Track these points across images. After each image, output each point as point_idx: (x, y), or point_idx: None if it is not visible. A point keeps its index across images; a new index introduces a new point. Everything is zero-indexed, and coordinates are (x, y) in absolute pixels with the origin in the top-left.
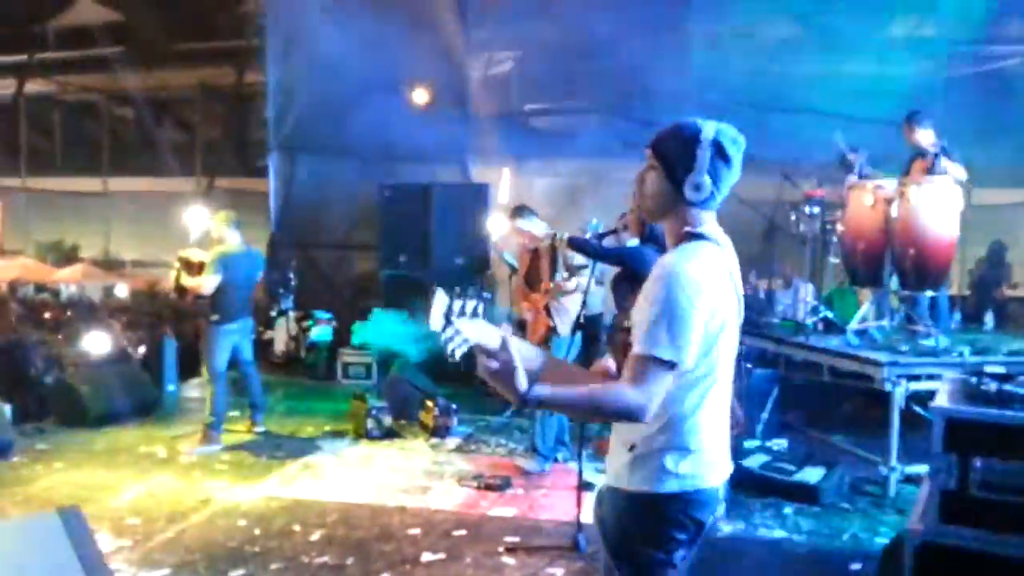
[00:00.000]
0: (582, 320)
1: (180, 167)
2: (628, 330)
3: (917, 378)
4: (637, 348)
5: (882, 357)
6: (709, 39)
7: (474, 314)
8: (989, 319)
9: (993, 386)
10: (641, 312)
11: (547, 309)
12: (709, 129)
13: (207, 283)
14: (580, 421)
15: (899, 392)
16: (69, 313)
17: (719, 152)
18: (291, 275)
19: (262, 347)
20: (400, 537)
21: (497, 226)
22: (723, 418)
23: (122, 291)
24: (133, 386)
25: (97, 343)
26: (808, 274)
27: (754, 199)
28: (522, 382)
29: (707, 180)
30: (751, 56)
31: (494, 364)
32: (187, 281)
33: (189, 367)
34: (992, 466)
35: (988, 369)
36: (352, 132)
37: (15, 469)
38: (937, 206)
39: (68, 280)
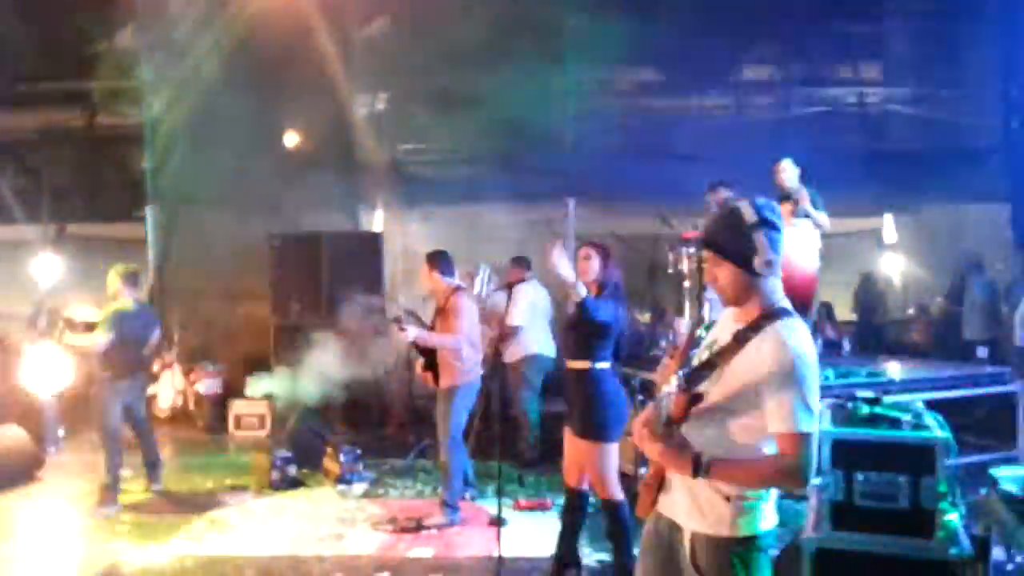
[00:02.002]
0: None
1: (25, 214)
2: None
3: None
4: (787, 427)
5: None
6: (580, 87)
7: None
8: (846, 344)
9: (866, 409)
10: (764, 386)
11: (430, 365)
12: (748, 209)
13: (98, 341)
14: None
15: None
16: None
17: (767, 223)
18: (174, 326)
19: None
20: None
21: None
22: None
23: None
24: (13, 448)
25: None
26: (687, 309)
27: (634, 238)
28: (694, 452)
29: (772, 253)
30: (620, 101)
31: (662, 440)
32: (74, 341)
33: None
34: (869, 478)
35: (859, 394)
36: (233, 180)
37: None
38: (800, 246)
39: None
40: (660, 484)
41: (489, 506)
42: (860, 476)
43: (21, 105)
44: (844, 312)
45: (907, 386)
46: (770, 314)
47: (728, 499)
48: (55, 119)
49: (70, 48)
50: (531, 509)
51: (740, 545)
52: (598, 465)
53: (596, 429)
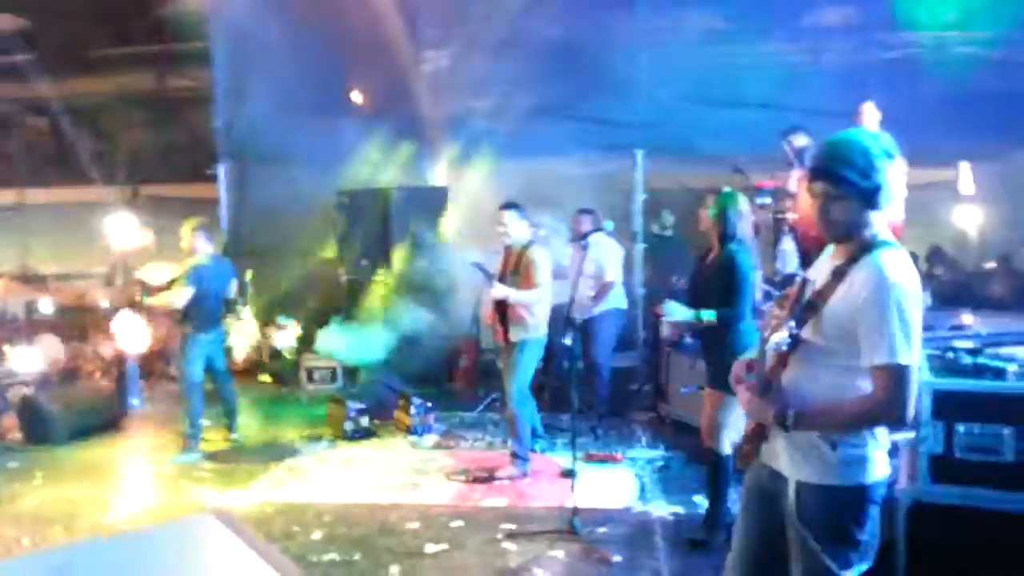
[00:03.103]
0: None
1: (102, 176)
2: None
3: None
4: (881, 359)
5: None
6: (652, 35)
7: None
8: (927, 297)
9: (968, 359)
10: (860, 318)
11: (501, 318)
12: (866, 137)
13: (179, 297)
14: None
15: None
16: None
17: (886, 157)
18: (247, 282)
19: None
20: (400, 531)
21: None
22: None
23: (46, 306)
24: (99, 400)
25: (34, 359)
26: (759, 261)
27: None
28: (782, 400)
29: (892, 188)
30: (692, 50)
31: (750, 385)
32: (155, 300)
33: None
34: (972, 431)
35: (957, 344)
36: (300, 138)
37: None
38: None
39: None
40: (761, 433)
41: (559, 458)
42: (961, 428)
43: (94, 70)
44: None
45: (996, 339)
46: (868, 246)
47: (834, 446)
48: (127, 83)
49: (139, 12)
50: (602, 461)
51: (851, 495)
52: (716, 414)
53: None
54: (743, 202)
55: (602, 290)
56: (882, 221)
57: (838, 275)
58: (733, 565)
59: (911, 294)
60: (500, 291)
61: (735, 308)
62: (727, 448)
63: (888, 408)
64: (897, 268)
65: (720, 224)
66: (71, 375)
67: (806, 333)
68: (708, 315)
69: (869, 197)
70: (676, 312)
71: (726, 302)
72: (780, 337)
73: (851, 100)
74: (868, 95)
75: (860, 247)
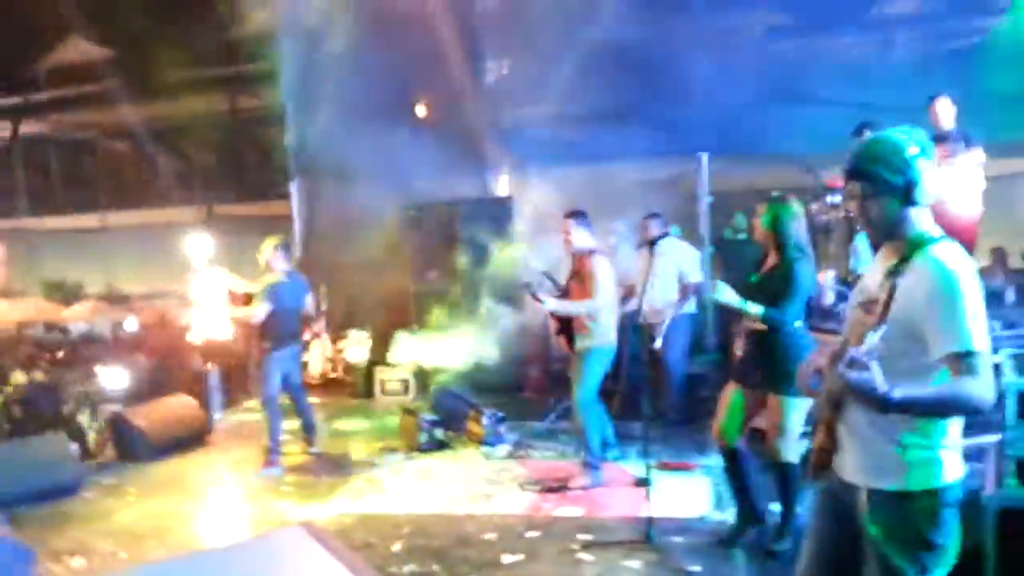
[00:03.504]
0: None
1: (179, 197)
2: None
3: None
4: (953, 346)
5: None
6: (712, 35)
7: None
8: (1010, 294)
9: None
10: (922, 315)
11: (564, 327)
12: (903, 137)
13: (257, 313)
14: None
15: None
16: (81, 350)
17: (925, 154)
18: (321, 298)
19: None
20: (477, 542)
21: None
22: None
23: (132, 325)
24: (184, 416)
25: (122, 377)
26: (832, 261)
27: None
28: (884, 385)
29: (931, 185)
30: (754, 48)
31: (857, 370)
32: (235, 313)
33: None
34: None
35: None
36: (368, 153)
37: (88, 504)
38: (958, 187)
39: (77, 318)
40: (832, 444)
41: (632, 467)
42: None
43: (170, 95)
44: (1017, 259)
45: None
46: (919, 242)
47: (904, 450)
48: (201, 105)
49: (211, 35)
50: (675, 469)
51: (923, 499)
52: (778, 419)
53: (785, 381)
54: (796, 206)
55: (685, 292)
56: (926, 216)
57: (894, 274)
58: (804, 574)
59: (971, 282)
60: (549, 305)
61: (783, 312)
62: (792, 455)
63: (977, 390)
64: (952, 259)
65: (775, 232)
66: (157, 392)
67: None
68: (755, 309)
69: (905, 193)
70: (724, 294)
71: (776, 305)
72: (871, 342)
73: (923, 93)
74: (940, 87)
75: (909, 245)
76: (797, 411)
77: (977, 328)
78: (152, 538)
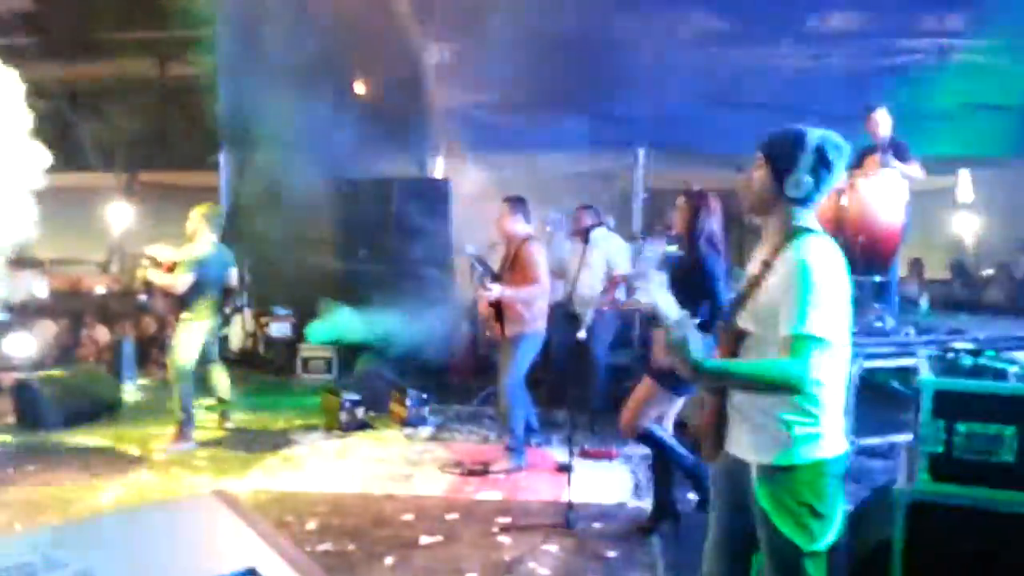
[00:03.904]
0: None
1: (100, 162)
2: (736, 330)
3: (869, 357)
4: (787, 329)
5: None
6: (656, 34)
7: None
8: (924, 302)
9: (969, 360)
10: (780, 301)
11: (497, 313)
12: (815, 135)
13: (179, 282)
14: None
15: (853, 370)
16: None
17: (821, 157)
18: (245, 271)
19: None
20: (395, 523)
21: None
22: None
23: (41, 290)
24: (94, 386)
25: (29, 343)
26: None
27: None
28: (697, 353)
29: (808, 180)
30: (696, 50)
31: (674, 335)
32: (157, 279)
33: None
34: (973, 431)
35: (957, 345)
36: (302, 127)
37: None
38: (885, 197)
39: None
40: (722, 423)
41: (554, 453)
42: (962, 428)
43: (95, 54)
44: (934, 271)
45: (994, 344)
46: (794, 235)
47: (787, 425)
48: (128, 68)
49: None
50: (597, 457)
51: (807, 471)
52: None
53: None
54: (713, 202)
55: (613, 283)
56: (807, 213)
57: (766, 266)
58: (709, 552)
59: (824, 274)
60: (495, 292)
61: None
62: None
63: (792, 373)
64: (814, 251)
65: (688, 227)
66: (65, 360)
67: (743, 323)
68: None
69: (781, 178)
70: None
71: (693, 303)
72: (684, 315)
73: (855, 104)
74: (872, 100)
75: (786, 237)
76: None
77: (817, 316)
78: (52, 509)
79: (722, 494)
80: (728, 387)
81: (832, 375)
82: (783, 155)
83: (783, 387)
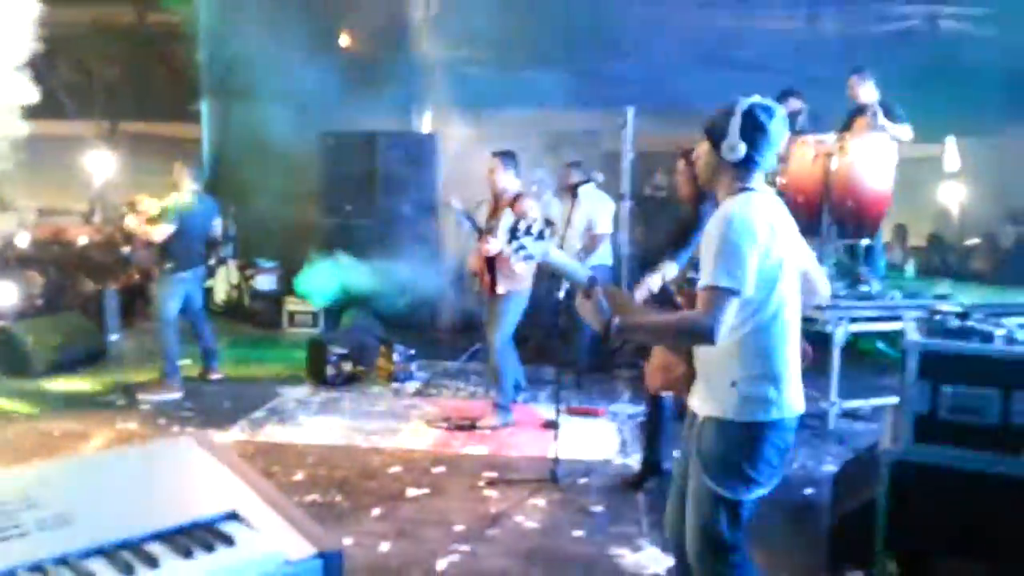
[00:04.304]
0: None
1: (78, 111)
2: (693, 282)
3: (854, 320)
4: (701, 282)
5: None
6: None
7: (540, 236)
8: (910, 267)
9: (955, 322)
10: (704, 255)
11: (489, 264)
12: (744, 102)
13: (159, 231)
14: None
15: (839, 333)
16: None
17: (750, 119)
18: (228, 223)
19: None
20: (381, 475)
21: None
22: (797, 352)
23: (23, 240)
24: (77, 335)
25: (11, 292)
26: None
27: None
28: (606, 311)
29: (740, 144)
30: (687, 10)
31: (588, 297)
32: (137, 228)
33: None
34: (958, 392)
35: (944, 308)
36: (285, 78)
37: None
38: (874, 160)
39: None
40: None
41: (542, 410)
42: (948, 389)
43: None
44: (915, 239)
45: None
46: (736, 191)
47: (734, 384)
48: (106, 15)
49: None
50: (583, 414)
51: (742, 430)
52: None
53: None
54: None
55: (592, 242)
56: (754, 178)
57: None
58: (670, 496)
59: (741, 226)
60: (495, 246)
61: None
62: None
63: (702, 326)
64: (735, 205)
65: (694, 184)
66: (49, 310)
67: (693, 275)
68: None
69: (716, 146)
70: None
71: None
72: (588, 274)
73: (845, 69)
74: (857, 65)
75: (726, 195)
76: None
77: (728, 268)
78: (35, 456)
79: (682, 443)
80: (646, 341)
81: (764, 333)
82: (717, 126)
83: (693, 338)
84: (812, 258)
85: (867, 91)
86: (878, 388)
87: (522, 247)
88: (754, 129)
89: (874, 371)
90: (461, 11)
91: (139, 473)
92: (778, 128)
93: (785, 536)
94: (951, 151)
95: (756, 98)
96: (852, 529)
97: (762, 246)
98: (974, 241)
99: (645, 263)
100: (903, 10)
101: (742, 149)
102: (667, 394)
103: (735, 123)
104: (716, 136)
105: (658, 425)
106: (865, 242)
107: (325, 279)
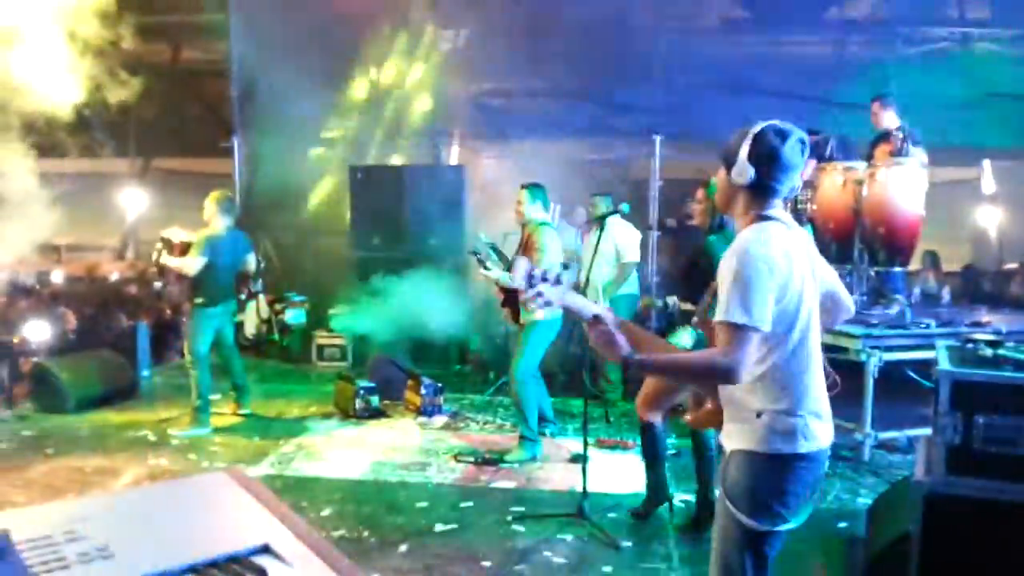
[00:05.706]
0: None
1: (113, 148)
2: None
3: (889, 349)
4: (717, 318)
5: (856, 330)
6: (672, 21)
7: (557, 281)
8: (946, 293)
9: (988, 351)
10: (720, 289)
11: (509, 300)
12: (757, 126)
13: (191, 265)
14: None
15: (873, 362)
16: (4, 301)
17: (760, 144)
18: (260, 258)
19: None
20: (409, 510)
21: None
22: (822, 381)
23: (57, 277)
24: (110, 371)
25: (45, 329)
26: None
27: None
28: (624, 346)
29: (748, 168)
30: (713, 38)
31: (597, 332)
32: (170, 261)
33: (157, 351)
34: (992, 422)
35: (977, 336)
36: (316, 113)
37: (6, 456)
38: (905, 186)
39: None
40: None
41: (569, 443)
42: (981, 419)
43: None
44: (951, 264)
45: (1017, 337)
46: (753, 219)
47: (759, 415)
48: (141, 54)
49: None
50: (612, 447)
51: (768, 461)
52: None
53: None
54: None
55: (622, 271)
56: (771, 204)
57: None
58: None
59: (753, 259)
60: (492, 274)
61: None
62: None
63: (724, 364)
64: (750, 237)
65: (709, 216)
66: (82, 346)
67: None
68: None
69: (728, 170)
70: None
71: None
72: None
73: (873, 93)
74: (885, 92)
75: (745, 224)
76: None
77: (742, 303)
78: (69, 492)
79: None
80: (666, 379)
81: (788, 365)
82: (729, 150)
83: (713, 377)
84: (835, 276)
85: (890, 117)
86: (915, 418)
87: (540, 294)
88: (764, 153)
89: (911, 400)
90: (488, 44)
91: (175, 507)
92: (792, 152)
93: (819, 571)
94: (987, 174)
95: (773, 122)
96: (887, 563)
97: (780, 278)
98: (1012, 266)
99: (672, 292)
100: (935, 32)
101: (750, 173)
102: (658, 420)
103: (744, 147)
104: (729, 161)
105: (654, 452)
106: (898, 268)
107: (361, 312)
